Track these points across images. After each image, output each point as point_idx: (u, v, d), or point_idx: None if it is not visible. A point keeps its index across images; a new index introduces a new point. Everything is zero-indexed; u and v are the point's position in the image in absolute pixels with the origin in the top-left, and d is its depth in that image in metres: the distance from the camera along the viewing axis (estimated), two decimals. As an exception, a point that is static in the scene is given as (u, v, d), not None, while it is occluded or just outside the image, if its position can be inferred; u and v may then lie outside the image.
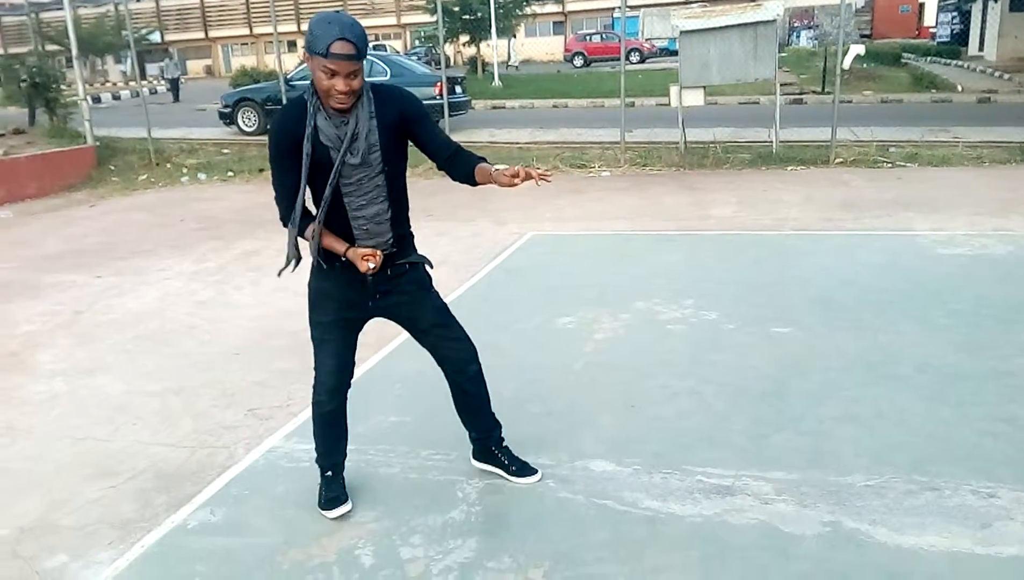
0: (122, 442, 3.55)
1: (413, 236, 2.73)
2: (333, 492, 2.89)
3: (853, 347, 4.19)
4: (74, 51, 12.69)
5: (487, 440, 3.02)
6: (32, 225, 9.00)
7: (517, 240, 6.90)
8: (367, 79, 2.48)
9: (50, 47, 26.16)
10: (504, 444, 3.05)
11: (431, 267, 2.77)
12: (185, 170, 12.14)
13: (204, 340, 4.85)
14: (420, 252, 2.75)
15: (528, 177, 2.40)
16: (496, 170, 2.46)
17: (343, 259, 2.54)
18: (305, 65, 13.26)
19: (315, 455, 2.92)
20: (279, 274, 2.68)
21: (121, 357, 4.62)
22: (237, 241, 7.39)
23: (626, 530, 2.71)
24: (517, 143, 12.90)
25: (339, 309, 2.66)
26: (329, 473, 2.90)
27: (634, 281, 5.54)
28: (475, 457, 3.08)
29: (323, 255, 2.56)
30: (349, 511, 2.86)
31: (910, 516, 2.70)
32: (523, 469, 3.03)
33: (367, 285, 2.60)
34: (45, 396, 4.13)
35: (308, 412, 3.67)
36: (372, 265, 2.45)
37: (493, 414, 3.00)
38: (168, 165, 12.48)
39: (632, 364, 4.14)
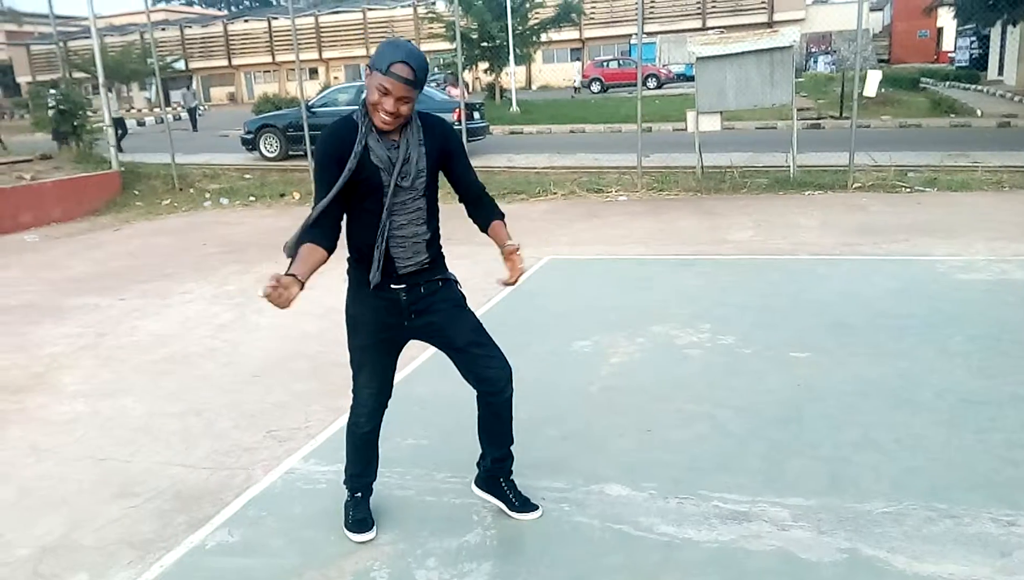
0: (143, 463, 3.60)
1: (444, 256, 2.77)
2: (361, 514, 2.91)
3: (871, 372, 4.17)
4: (100, 79, 12.97)
5: (499, 470, 2.97)
6: (58, 248, 9.16)
7: (534, 264, 6.93)
8: None
9: (77, 74, 26.73)
10: (512, 477, 3.02)
11: (459, 284, 2.81)
12: (208, 195, 12.32)
13: (225, 362, 4.90)
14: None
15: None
16: (510, 249, 2.73)
17: (371, 287, 2.60)
18: (326, 92, 13.53)
19: (344, 476, 2.95)
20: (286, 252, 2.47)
21: (143, 379, 4.69)
22: (258, 265, 7.48)
23: (641, 555, 2.71)
24: (534, 168, 12.99)
25: (377, 332, 2.69)
26: (359, 494, 2.93)
27: (651, 305, 5.55)
28: (478, 485, 3.03)
29: (357, 276, 2.66)
30: (373, 539, 2.86)
31: (929, 544, 2.67)
32: (525, 504, 2.98)
33: (401, 306, 2.64)
34: (68, 417, 4.19)
35: (326, 434, 3.75)
36: (260, 293, 2.27)
37: (512, 443, 2.97)
38: (191, 190, 12.68)
39: (648, 388, 4.14)
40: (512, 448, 2.97)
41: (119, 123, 19.30)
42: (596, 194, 10.74)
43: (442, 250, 2.76)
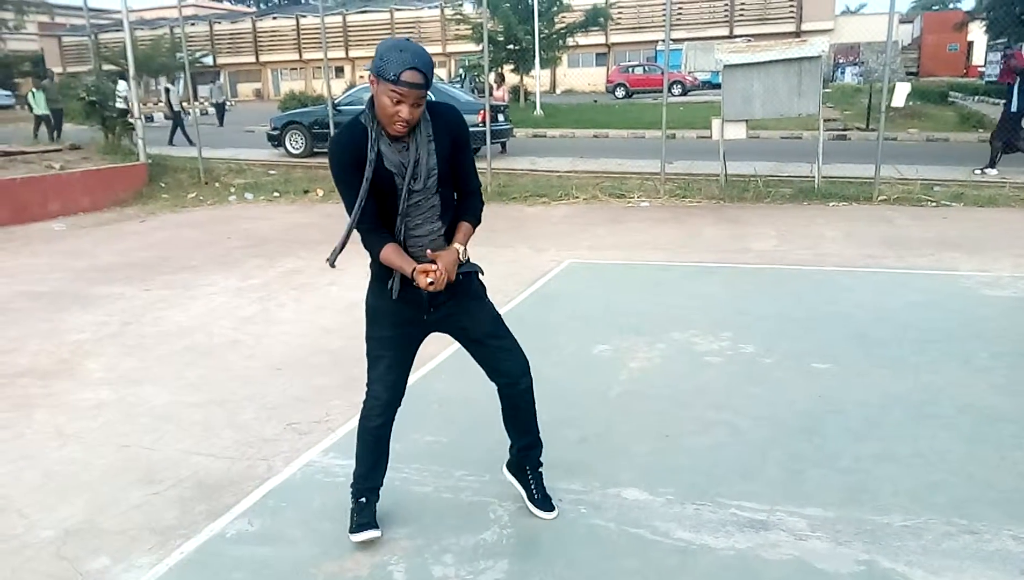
0: (165, 451, 3.64)
1: (466, 247, 2.71)
2: (364, 519, 2.84)
3: (893, 385, 4.14)
4: (131, 72, 13.13)
5: (526, 458, 2.99)
6: (84, 237, 9.29)
7: (555, 267, 6.95)
8: None
9: (107, 67, 27.06)
10: (540, 470, 3.02)
11: (482, 274, 2.78)
12: (233, 189, 12.44)
13: (247, 354, 4.95)
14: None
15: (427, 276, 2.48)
16: (452, 248, 2.58)
17: (393, 296, 2.58)
18: (352, 91, 13.52)
19: (352, 478, 2.88)
20: (329, 261, 2.63)
21: (167, 368, 4.75)
22: (281, 260, 7.55)
23: (657, 560, 2.71)
24: (557, 172, 13.01)
25: (395, 325, 2.67)
26: (363, 499, 2.85)
27: (671, 311, 5.55)
28: (508, 468, 3.05)
29: (379, 272, 2.63)
30: (376, 538, 2.81)
31: (948, 559, 2.66)
32: (543, 502, 2.98)
33: (422, 300, 2.62)
34: (93, 403, 4.25)
35: (346, 428, 3.77)
36: (430, 280, 2.45)
37: (539, 431, 2.97)
38: (216, 184, 12.80)
39: (667, 394, 4.14)
40: (540, 437, 2.96)
41: (176, 115, 19.34)
42: (618, 199, 10.73)
43: None
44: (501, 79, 19.87)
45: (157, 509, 3.13)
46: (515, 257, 7.28)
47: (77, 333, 5.47)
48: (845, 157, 12.85)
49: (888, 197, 9.90)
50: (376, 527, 2.84)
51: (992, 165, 11.51)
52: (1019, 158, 11.65)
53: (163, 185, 12.54)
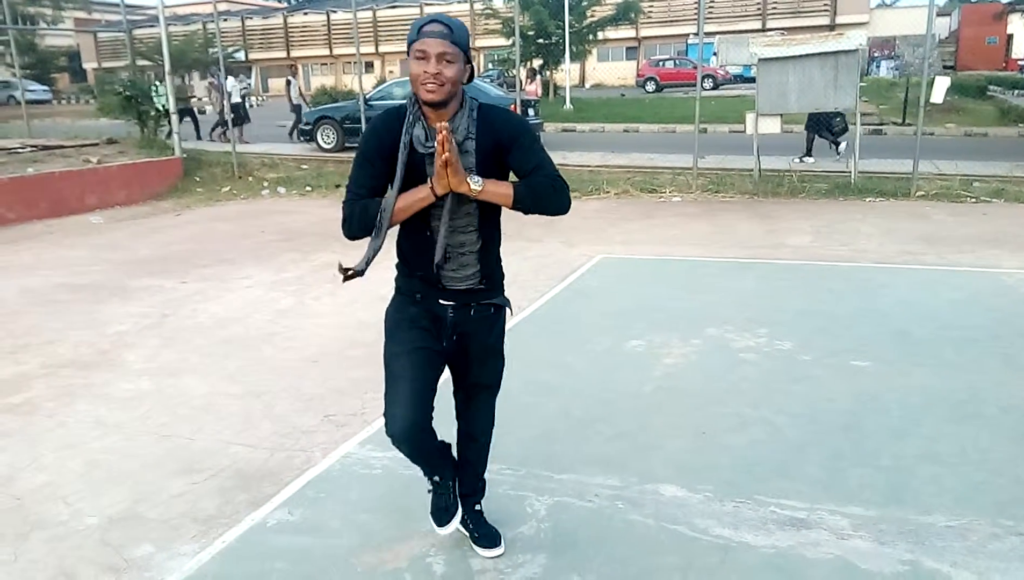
0: (205, 441, 3.69)
1: (503, 276, 2.53)
2: (441, 502, 2.68)
3: (934, 384, 4.08)
4: (167, 67, 13.29)
5: (464, 500, 2.76)
6: (121, 231, 9.43)
7: (587, 262, 6.92)
8: (474, 98, 2.36)
9: (141, 62, 27.39)
10: (477, 509, 2.79)
11: (511, 312, 2.60)
12: (266, 184, 12.56)
13: (284, 347, 5.00)
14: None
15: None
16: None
17: (418, 295, 2.41)
18: (383, 86, 13.57)
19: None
20: (344, 276, 2.39)
21: (205, 360, 4.81)
22: (315, 253, 7.61)
23: (697, 557, 2.70)
24: (588, 166, 12.94)
25: (417, 338, 2.40)
26: (437, 478, 2.64)
27: (705, 307, 5.50)
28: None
29: (401, 284, 2.47)
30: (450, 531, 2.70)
31: (995, 560, 2.61)
32: (483, 539, 2.75)
33: (446, 324, 2.43)
34: (133, 394, 4.32)
35: (381, 421, 3.76)
36: (442, 130, 2.11)
37: (483, 482, 2.81)
38: (250, 178, 12.94)
39: (703, 390, 4.11)
40: (478, 486, 2.80)
41: (297, 109, 17.69)
42: (650, 194, 10.66)
43: (502, 269, 2.52)
44: (533, 74, 19.78)
45: (198, 498, 3.18)
46: (547, 252, 7.26)
47: (117, 325, 5.56)
48: (881, 152, 12.65)
49: (926, 193, 9.74)
50: (454, 515, 2.69)
51: (836, 146, 12.12)
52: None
53: (197, 179, 12.69)
